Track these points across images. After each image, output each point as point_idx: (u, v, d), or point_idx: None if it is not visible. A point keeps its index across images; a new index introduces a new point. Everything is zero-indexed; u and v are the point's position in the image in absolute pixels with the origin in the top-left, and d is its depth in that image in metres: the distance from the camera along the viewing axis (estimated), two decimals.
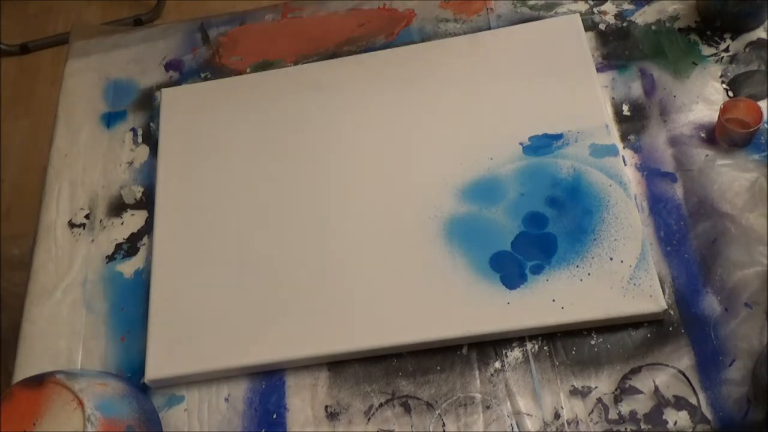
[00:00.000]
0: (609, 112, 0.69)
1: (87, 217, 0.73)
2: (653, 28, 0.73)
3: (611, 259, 0.61)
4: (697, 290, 0.60)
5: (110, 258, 0.70)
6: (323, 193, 0.68)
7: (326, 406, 0.60)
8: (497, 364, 0.60)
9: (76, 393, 0.54)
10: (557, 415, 0.57)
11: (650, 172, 0.66)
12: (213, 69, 0.80)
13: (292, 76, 0.76)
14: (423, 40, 0.77)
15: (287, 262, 0.65)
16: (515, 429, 0.57)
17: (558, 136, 0.67)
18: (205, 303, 0.65)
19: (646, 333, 0.59)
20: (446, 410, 0.59)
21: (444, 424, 0.58)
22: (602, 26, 0.74)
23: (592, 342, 0.59)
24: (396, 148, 0.69)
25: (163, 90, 0.78)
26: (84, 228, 0.73)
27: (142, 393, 0.61)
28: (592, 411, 0.57)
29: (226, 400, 0.62)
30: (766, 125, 0.65)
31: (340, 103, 0.73)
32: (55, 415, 0.53)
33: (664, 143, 0.67)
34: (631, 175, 0.65)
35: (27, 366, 0.65)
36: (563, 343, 0.60)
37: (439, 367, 0.61)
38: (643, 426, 0.56)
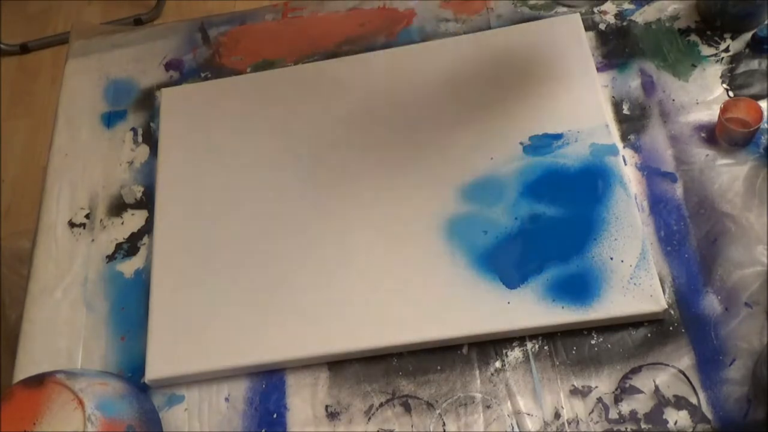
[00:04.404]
0: (609, 111, 0.69)
1: (87, 216, 0.73)
2: (653, 27, 0.73)
3: (611, 258, 0.61)
4: (698, 290, 0.60)
5: (110, 258, 0.70)
6: (323, 192, 0.68)
7: (326, 406, 0.60)
8: (497, 364, 0.60)
9: (76, 393, 0.54)
10: (557, 415, 0.57)
11: (650, 172, 0.66)
12: (213, 69, 0.80)
13: (292, 76, 0.76)
14: (423, 40, 0.77)
15: (287, 261, 0.65)
16: (515, 429, 0.57)
17: (558, 136, 0.67)
18: (205, 303, 0.65)
19: (647, 333, 0.59)
20: (446, 410, 0.59)
21: (444, 424, 0.58)
22: (602, 26, 0.74)
23: (593, 342, 0.59)
24: (396, 148, 0.69)
25: (163, 90, 0.78)
26: (84, 228, 0.73)
27: (143, 393, 0.61)
28: (593, 411, 0.57)
29: (226, 399, 0.62)
30: (766, 125, 0.65)
31: (340, 103, 0.73)
32: (55, 414, 0.53)
33: (664, 143, 0.67)
34: (631, 174, 0.65)
35: (27, 366, 0.65)
36: (563, 343, 0.60)
37: (439, 367, 0.61)
38: (643, 425, 0.56)
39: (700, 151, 0.66)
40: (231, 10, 0.87)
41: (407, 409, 0.59)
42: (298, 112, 0.73)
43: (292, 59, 0.79)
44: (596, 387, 0.58)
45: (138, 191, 0.74)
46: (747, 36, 0.70)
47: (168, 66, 0.81)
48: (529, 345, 0.60)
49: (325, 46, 0.79)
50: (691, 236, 0.62)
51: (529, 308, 0.60)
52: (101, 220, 0.73)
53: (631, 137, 0.68)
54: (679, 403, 0.56)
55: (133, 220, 0.72)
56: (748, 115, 0.64)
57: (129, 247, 0.71)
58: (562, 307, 0.59)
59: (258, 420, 0.61)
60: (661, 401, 0.57)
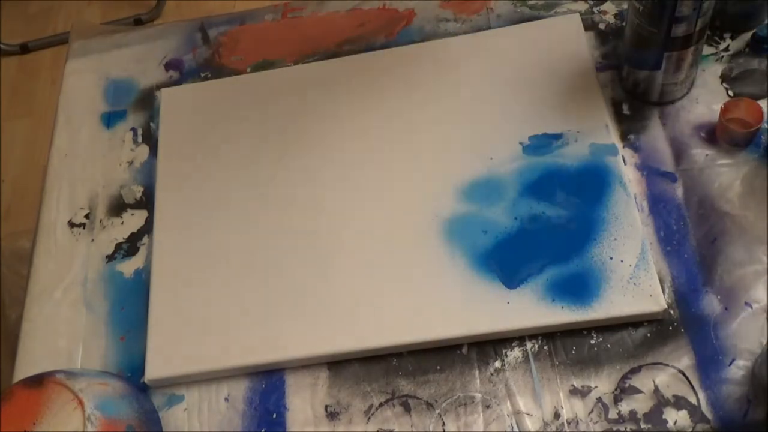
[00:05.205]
0: (609, 111, 0.69)
1: (87, 216, 0.73)
2: None
3: (611, 258, 0.61)
4: (697, 290, 0.60)
5: (110, 258, 0.70)
6: (323, 192, 0.68)
7: (326, 406, 0.60)
8: (497, 364, 0.60)
9: (76, 393, 0.54)
10: (557, 415, 0.57)
11: (650, 172, 0.66)
12: (213, 69, 0.80)
13: (292, 76, 0.76)
14: (423, 40, 0.77)
15: (287, 261, 0.65)
16: (515, 428, 0.57)
17: (558, 136, 0.67)
18: (205, 303, 0.65)
19: (646, 332, 0.59)
20: (446, 410, 0.59)
21: (444, 424, 0.58)
22: (602, 26, 0.74)
23: (592, 341, 0.59)
24: (396, 148, 0.70)
25: (163, 90, 0.78)
26: (84, 228, 0.73)
27: (142, 393, 0.61)
28: (592, 410, 0.57)
29: (226, 399, 0.62)
30: (766, 125, 0.65)
31: (340, 103, 0.73)
32: (55, 414, 0.53)
33: (664, 143, 0.67)
34: (630, 174, 0.65)
35: (27, 365, 0.65)
36: (563, 343, 0.60)
37: (438, 367, 0.61)
38: (642, 425, 0.56)
39: (700, 151, 0.66)
40: (231, 10, 0.87)
41: (407, 409, 0.59)
42: (298, 111, 0.73)
43: (292, 59, 0.79)
44: (596, 387, 0.58)
45: (138, 191, 0.74)
46: (747, 36, 0.70)
47: (168, 66, 0.81)
48: (529, 345, 0.60)
49: (325, 46, 0.79)
50: (690, 236, 0.62)
51: (528, 308, 0.60)
52: (101, 220, 0.73)
53: (631, 137, 0.68)
54: (679, 403, 0.56)
55: (133, 220, 0.72)
56: (748, 115, 0.64)
57: (129, 247, 0.71)
58: (562, 307, 0.59)
59: (258, 420, 0.61)
60: (661, 401, 0.57)
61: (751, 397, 0.56)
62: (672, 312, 0.60)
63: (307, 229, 0.67)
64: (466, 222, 0.64)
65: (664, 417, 0.56)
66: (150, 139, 0.77)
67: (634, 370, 0.58)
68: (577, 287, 0.60)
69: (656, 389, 0.57)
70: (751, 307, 0.59)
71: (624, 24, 0.73)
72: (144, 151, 0.76)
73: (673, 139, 0.67)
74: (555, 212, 0.64)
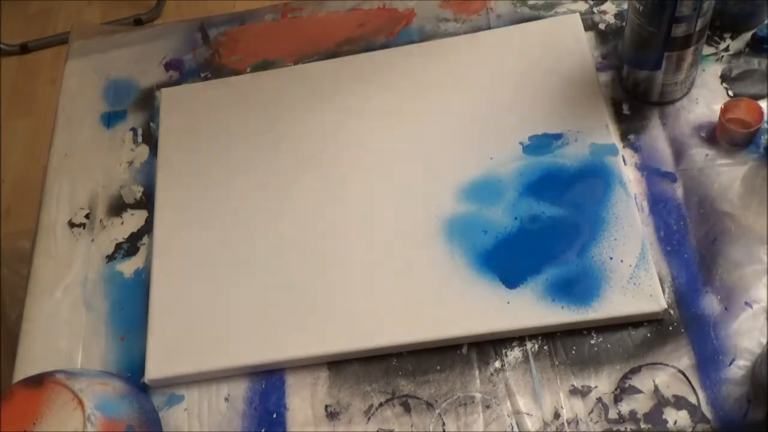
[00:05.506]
0: (609, 111, 0.69)
1: (87, 216, 0.73)
2: None
3: (611, 258, 0.61)
4: (697, 290, 0.60)
5: (110, 258, 0.70)
6: (323, 192, 0.68)
7: (326, 406, 0.60)
8: (497, 364, 0.60)
9: (76, 393, 0.54)
10: (557, 415, 0.57)
11: (650, 172, 0.66)
12: (213, 69, 0.80)
13: (292, 76, 0.76)
14: (423, 40, 0.77)
15: (287, 261, 0.65)
16: (515, 428, 0.57)
17: (558, 136, 0.67)
18: (205, 303, 0.65)
19: (646, 332, 0.59)
20: (446, 410, 0.59)
21: (444, 424, 0.58)
22: (602, 26, 0.74)
23: (592, 341, 0.60)
24: (396, 148, 0.70)
25: (163, 90, 0.78)
26: (84, 228, 0.73)
27: (142, 393, 0.61)
28: (592, 410, 0.57)
29: (226, 399, 0.62)
30: (766, 125, 0.65)
31: (340, 103, 0.73)
32: (55, 414, 0.53)
33: (664, 143, 0.67)
34: (630, 174, 0.65)
35: (27, 365, 0.65)
36: (563, 343, 0.60)
37: (438, 367, 0.61)
38: (642, 425, 0.56)
39: (700, 151, 0.66)
40: (231, 10, 0.87)
41: (407, 409, 0.59)
42: (298, 112, 0.73)
43: (292, 59, 0.79)
44: (596, 387, 0.58)
45: (138, 191, 0.74)
46: (747, 36, 0.70)
47: (168, 66, 0.81)
48: (529, 345, 0.60)
49: (325, 46, 0.79)
50: (690, 236, 0.62)
51: (528, 308, 0.60)
52: (101, 220, 0.73)
53: (631, 137, 0.68)
54: (679, 403, 0.56)
55: (133, 220, 0.72)
56: (748, 116, 0.64)
57: (129, 247, 0.71)
58: (562, 307, 0.59)
59: (258, 420, 0.61)
60: (661, 401, 0.57)
61: (751, 397, 0.56)
62: (672, 312, 0.60)
63: (306, 229, 0.67)
64: (466, 222, 0.64)
65: (664, 417, 0.56)
66: (150, 139, 0.77)
67: (634, 370, 0.58)
68: (577, 287, 0.60)
69: (656, 389, 0.57)
70: (751, 307, 0.59)
71: (624, 24, 0.73)
72: (144, 151, 0.76)
73: (673, 139, 0.67)
74: (555, 212, 0.64)
